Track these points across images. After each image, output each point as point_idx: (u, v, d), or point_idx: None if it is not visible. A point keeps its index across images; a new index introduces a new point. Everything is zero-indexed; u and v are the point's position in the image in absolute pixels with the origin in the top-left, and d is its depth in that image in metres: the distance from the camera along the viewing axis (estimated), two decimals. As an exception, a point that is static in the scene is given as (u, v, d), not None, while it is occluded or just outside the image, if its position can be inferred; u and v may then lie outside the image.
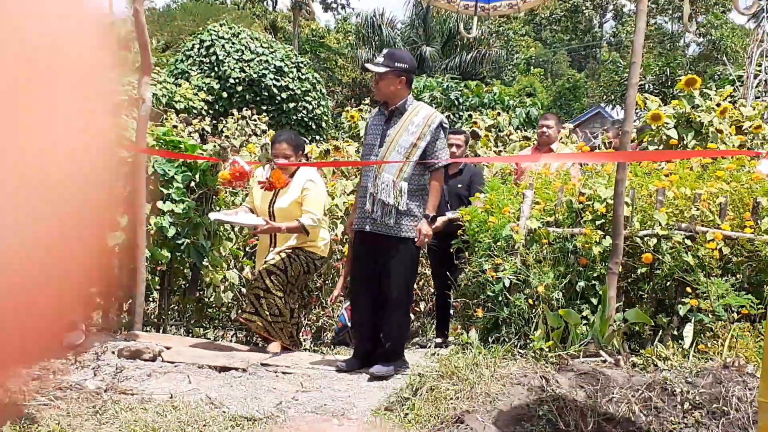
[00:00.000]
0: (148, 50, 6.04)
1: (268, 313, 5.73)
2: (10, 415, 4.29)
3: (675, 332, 5.20)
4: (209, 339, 6.77)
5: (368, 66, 5.54)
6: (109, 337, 5.85)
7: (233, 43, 21.35)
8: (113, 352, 5.47)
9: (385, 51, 5.58)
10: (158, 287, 6.90)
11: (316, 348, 7.18)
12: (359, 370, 5.41)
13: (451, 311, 7.08)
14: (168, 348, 5.67)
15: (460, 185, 6.89)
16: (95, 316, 6.46)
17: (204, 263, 6.66)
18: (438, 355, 5.58)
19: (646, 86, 25.50)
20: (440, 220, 6.24)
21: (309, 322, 7.46)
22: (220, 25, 22.53)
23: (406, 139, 5.23)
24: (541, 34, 43.83)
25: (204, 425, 4.34)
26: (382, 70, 5.31)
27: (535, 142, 8.28)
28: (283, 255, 5.88)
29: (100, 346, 5.56)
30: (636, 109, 6.50)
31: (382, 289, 5.36)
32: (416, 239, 5.24)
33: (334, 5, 39.97)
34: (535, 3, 5.68)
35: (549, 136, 7.60)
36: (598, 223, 5.53)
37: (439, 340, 6.95)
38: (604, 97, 22.51)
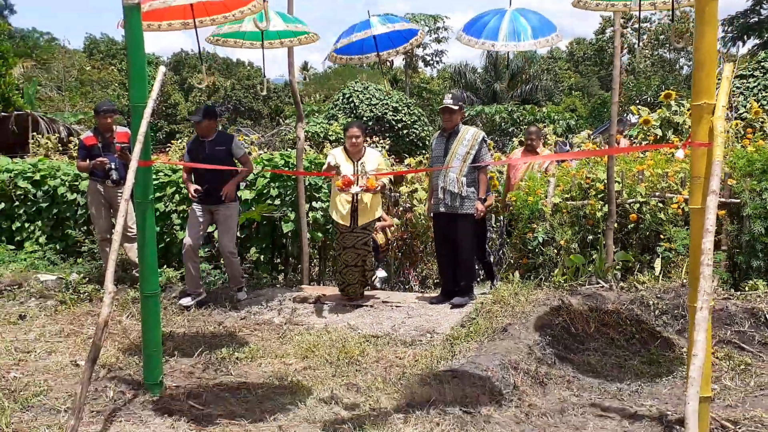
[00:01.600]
0: (300, 106, 7.69)
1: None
2: (232, 342, 5.90)
3: (652, 266, 6.47)
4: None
5: (449, 106, 6.57)
6: (288, 290, 7.39)
7: (364, 94, 27.48)
8: (290, 299, 7.01)
9: (451, 93, 6.79)
10: (317, 256, 8.44)
11: (421, 290, 8.46)
12: (444, 303, 6.74)
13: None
14: (324, 294, 7.11)
15: None
16: (280, 276, 8.19)
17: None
18: (493, 289, 6.90)
19: (649, 99, 27.76)
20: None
21: (416, 273, 8.82)
22: (355, 83, 28.78)
23: (462, 150, 6.54)
24: (579, 67, 52.28)
25: (345, 342, 5.69)
26: (456, 107, 6.62)
27: (524, 146, 8.68)
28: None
29: (282, 295, 7.15)
30: (633, 115, 7.62)
31: (455, 248, 6.67)
32: (475, 214, 6.65)
33: (431, 62, 47.36)
34: (549, 44, 6.68)
35: (533, 141, 8.31)
36: (599, 196, 6.84)
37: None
38: (623, 108, 24.72)
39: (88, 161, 7.44)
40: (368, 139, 21.04)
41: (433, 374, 4.69)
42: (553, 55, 51.71)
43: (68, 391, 4.53)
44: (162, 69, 4.91)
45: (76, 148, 12.78)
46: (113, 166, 7.34)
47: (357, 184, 6.37)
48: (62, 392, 4.52)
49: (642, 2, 5.78)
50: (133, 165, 4.23)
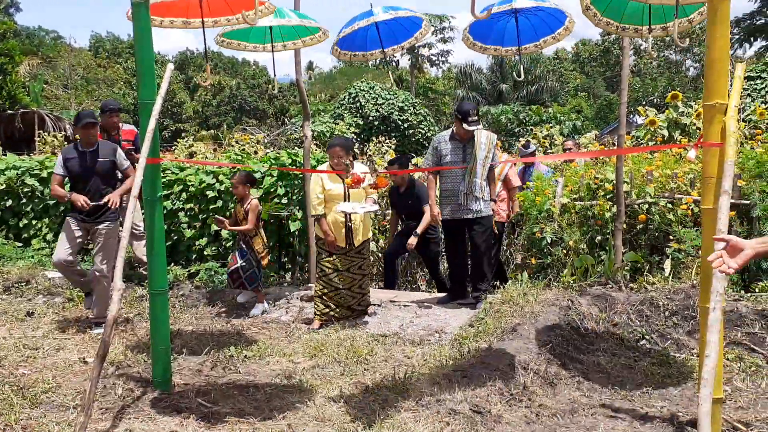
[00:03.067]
0: (307, 105, 7.60)
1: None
2: (239, 341, 5.89)
3: (662, 267, 6.46)
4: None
5: (474, 127, 6.35)
6: (295, 288, 7.41)
7: (370, 93, 27.31)
8: (297, 298, 7.03)
9: (474, 109, 6.49)
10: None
11: (428, 290, 8.43)
12: (452, 302, 6.76)
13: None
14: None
15: (409, 200, 7.48)
16: (287, 275, 8.18)
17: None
18: (501, 289, 6.87)
19: (655, 100, 27.95)
20: None
21: (423, 273, 8.77)
22: (362, 82, 28.69)
23: (481, 154, 6.45)
24: (584, 68, 51.11)
25: (353, 341, 5.67)
26: (481, 126, 6.51)
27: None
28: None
29: (290, 294, 7.17)
30: (639, 116, 7.61)
31: (474, 250, 6.58)
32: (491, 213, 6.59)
33: (437, 62, 46.99)
34: (554, 43, 6.49)
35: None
36: (608, 196, 6.82)
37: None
38: (629, 109, 24.98)
39: None
40: (374, 139, 20.99)
41: (443, 374, 4.67)
42: (559, 56, 51.62)
43: (77, 388, 4.53)
44: (170, 66, 4.91)
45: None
46: None
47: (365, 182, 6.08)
48: (71, 389, 4.52)
49: (652, 27, 5.60)
50: (142, 162, 4.23)
